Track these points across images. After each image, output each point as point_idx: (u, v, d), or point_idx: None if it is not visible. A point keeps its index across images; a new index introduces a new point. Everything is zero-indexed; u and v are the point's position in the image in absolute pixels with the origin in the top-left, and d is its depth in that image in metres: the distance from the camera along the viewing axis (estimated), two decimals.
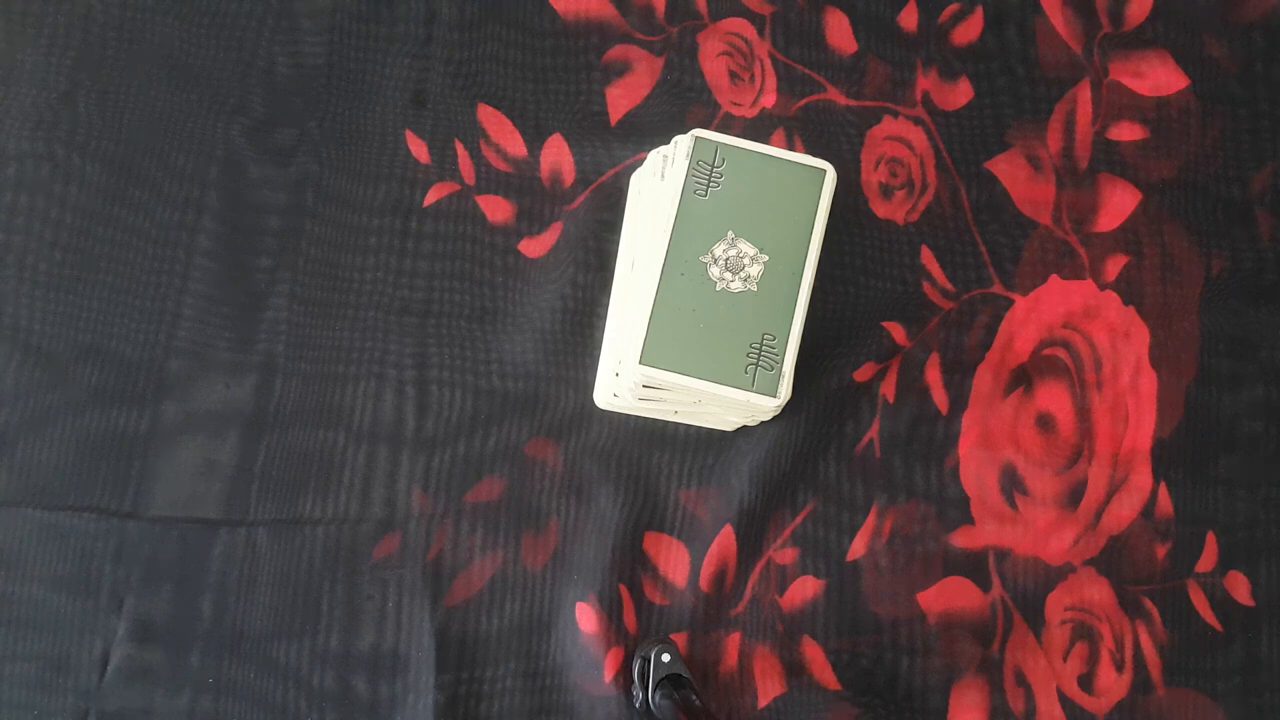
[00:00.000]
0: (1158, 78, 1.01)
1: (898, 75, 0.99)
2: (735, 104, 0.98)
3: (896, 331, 0.94)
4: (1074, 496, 0.93)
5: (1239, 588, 0.93)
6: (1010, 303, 0.96)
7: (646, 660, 0.82)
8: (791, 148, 0.97)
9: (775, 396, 0.77)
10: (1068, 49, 1.01)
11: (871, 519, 0.92)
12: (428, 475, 0.90)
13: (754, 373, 0.77)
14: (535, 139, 0.96)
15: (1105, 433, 0.94)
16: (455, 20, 0.98)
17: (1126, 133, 1.00)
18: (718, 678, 0.88)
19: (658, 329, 0.77)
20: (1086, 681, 0.91)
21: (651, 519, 0.90)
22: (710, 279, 0.79)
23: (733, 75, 0.99)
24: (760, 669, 0.89)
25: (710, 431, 0.92)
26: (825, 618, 0.90)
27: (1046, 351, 0.95)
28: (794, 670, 0.89)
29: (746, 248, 0.79)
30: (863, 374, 0.93)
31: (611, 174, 0.96)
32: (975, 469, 0.93)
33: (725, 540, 0.89)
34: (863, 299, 0.95)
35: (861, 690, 0.89)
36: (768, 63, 0.99)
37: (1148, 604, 0.92)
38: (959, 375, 0.94)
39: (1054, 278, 0.97)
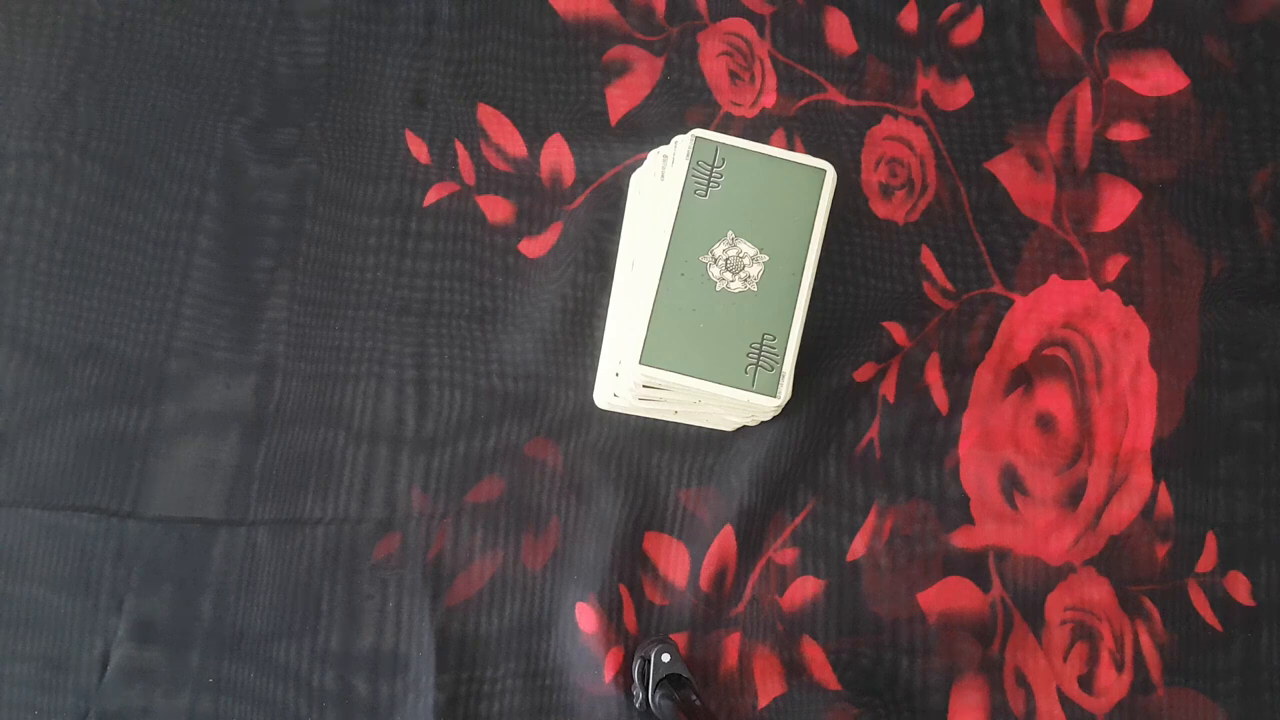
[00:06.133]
0: (1158, 78, 1.01)
1: (898, 75, 0.99)
2: (735, 104, 0.98)
3: (896, 331, 0.94)
4: (1074, 496, 0.93)
5: (1239, 588, 0.93)
6: (1010, 303, 0.96)
7: (646, 660, 0.82)
8: (791, 148, 0.97)
9: (775, 396, 0.77)
10: (1068, 49, 1.01)
11: (871, 519, 0.92)
12: (428, 475, 0.90)
13: (754, 373, 0.77)
14: (535, 139, 0.96)
15: (1105, 433, 0.94)
16: (455, 20, 0.98)
17: (1126, 133, 1.00)
18: (718, 678, 0.88)
19: (658, 329, 0.77)
20: (1086, 681, 0.91)
21: (651, 519, 0.90)
22: (710, 279, 0.79)
23: (733, 75, 0.99)
24: (760, 669, 0.89)
25: (710, 431, 0.92)
26: (825, 618, 0.90)
27: (1046, 351, 0.95)
28: (794, 670, 0.89)
29: (746, 248, 0.79)
30: (863, 374, 0.93)
31: (611, 174, 0.96)
32: (975, 469, 0.93)
33: (725, 540, 0.89)
34: (863, 299, 0.95)
35: (861, 690, 0.89)
36: (768, 63, 0.99)
37: (1148, 604, 0.92)
38: (959, 375, 0.94)
39: (1054, 278, 0.97)
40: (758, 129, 0.97)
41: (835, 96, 0.99)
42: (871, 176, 0.97)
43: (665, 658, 0.81)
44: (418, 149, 0.95)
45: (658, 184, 0.86)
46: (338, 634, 0.87)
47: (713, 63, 0.99)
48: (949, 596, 0.91)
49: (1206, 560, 0.93)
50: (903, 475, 0.93)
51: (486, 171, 0.95)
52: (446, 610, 0.88)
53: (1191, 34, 1.02)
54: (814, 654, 0.89)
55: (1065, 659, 0.91)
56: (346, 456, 0.90)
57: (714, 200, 0.80)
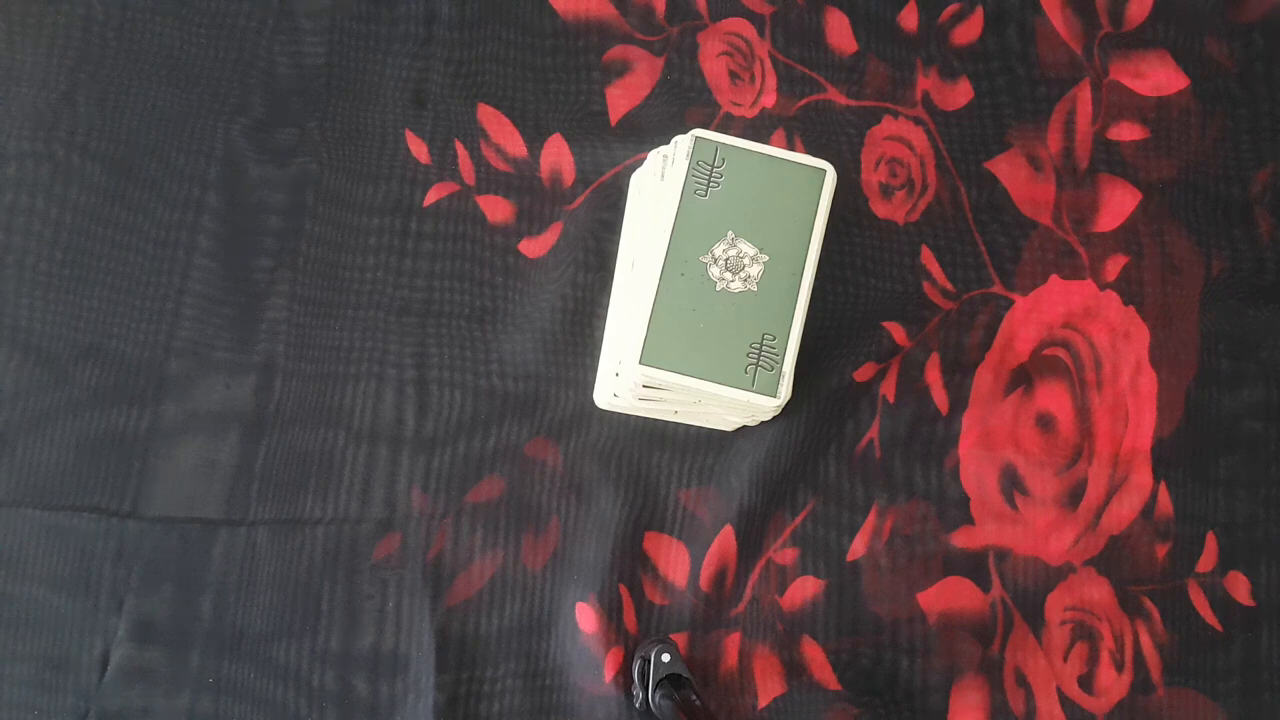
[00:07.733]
0: (1158, 78, 1.01)
1: (898, 75, 0.99)
2: (735, 104, 0.98)
3: (896, 331, 0.94)
4: (1074, 496, 0.93)
5: (1239, 588, 0.93)
6: (1010, 303, 0.96)
7: (646, 660, 0.82)
8: (791, 148, 0.97)
9: (775, 396, 0.77)
10: (1068, 49, 1.01)
11: (871, 519, 0.92)
12: (428, 475, 0.90)
13: (754, 373, 0.77)
14: (535, 139, 0.96)
15: (1105, 433, 0.94)
16: (455, 20, 0.98)
17: (1126, 133, 1.00)
18: (718, 678, 0.88)
19: (658, 329, 0.77)
20: (1086, 681, 0.91)
21: (651, 519, 0.90)
22: (710, 279, 0.79)
23: (733, 75, 0.99)
24: (760, 669, 0.89)
25: (710, 431, 0.92)
26: (825, 618, 0.90)
27: (1046, 351, 0.95)
28: (794, 670, 0.89)
29: (746, 248, 0.79)
30: (863, 374, 0.93)
31: (611, 174, 0.96)
32: (975, 469, 0.93)
33: (725, 540, 0.89)
34: (863, 299, 0.95)
35: (861, 690, 0.89)
36: (768, 63, 0.99)
37: (1148, 604, 0.92)
38: (959, 375, 0.94)
39: (1054, 278, 0.97)
40: (758, 129, 0.97)
41: (835, 96, 0.99)
42: (871, 176, 0.97)
43: (665, 658, 0.81)
44: (418, 149, 0.95)
45: (658, 184, 0.86)
46: (338, 634, 0.87)
47: (713, 63, 0.99)
48: (949, 596, 0.91)
49: (1206, 560, 0.93)
50: (903, 475, 0.93)
51: (486, 171, 0.95)
52: (446, 610, 0.88)
53: (1191, 34, 1.02)
54: (814, 654, 0.89)
55: (1065, 659, 0.91)
56: (346, 456, 0.90)
57: (714, 200, 0.80)
